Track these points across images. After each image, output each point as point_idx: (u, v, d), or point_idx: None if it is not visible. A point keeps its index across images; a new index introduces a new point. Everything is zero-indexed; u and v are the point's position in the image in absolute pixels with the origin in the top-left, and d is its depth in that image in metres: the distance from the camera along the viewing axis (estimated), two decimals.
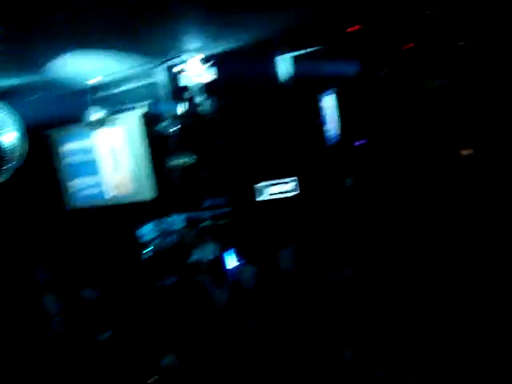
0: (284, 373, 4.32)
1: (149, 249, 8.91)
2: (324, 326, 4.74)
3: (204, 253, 8.84)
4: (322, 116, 7.48)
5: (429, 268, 5.30)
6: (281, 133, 7.23)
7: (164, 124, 7.39)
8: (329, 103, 7.63)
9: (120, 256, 8.00)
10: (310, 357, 4.33)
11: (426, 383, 3.79)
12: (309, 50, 6.93)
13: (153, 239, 9.16)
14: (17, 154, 3.87)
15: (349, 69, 6.99)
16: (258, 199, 7.63)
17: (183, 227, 9.33)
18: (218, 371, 4.70)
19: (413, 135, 7.05)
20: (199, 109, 7.22)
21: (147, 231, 9.17)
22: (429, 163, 6.95)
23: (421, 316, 4.51)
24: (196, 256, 8.64)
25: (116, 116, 7.12)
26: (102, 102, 7.34)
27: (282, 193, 7.54)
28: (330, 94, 7.75)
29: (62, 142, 7.62)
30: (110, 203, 7.61)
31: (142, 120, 7.18)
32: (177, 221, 9.39)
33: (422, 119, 7.01)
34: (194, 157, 7.61)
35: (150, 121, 7.34)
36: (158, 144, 7.40)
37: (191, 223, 9.27)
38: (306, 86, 7.15)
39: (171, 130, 7.46)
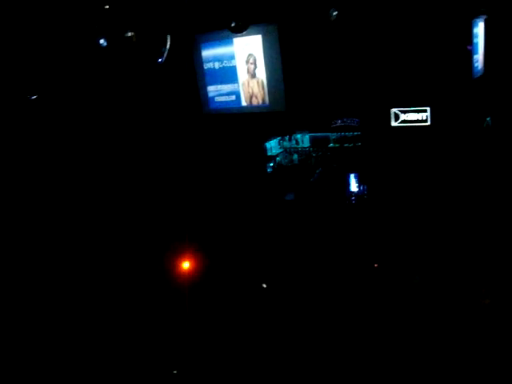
0: None
1: (272, 163, 9.10)
2: None
3: (325, 174, 8.79)
4: (473, 45, 6.70)
5: None
6: (423, 57, 6.64)
7: None
8: (480, 31, 6.78)
9: (247, 165, 8.28)
10: None
11: None
12: None
13: (277, 154, 9.32)
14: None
15: None
16: (391, 125, 7.27)
17: (308, 146, 9.31)
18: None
19: None
20: None
21: (273, 145, 9.33)
22: None
23: None
24: (317, 176, 8.64)
25: (257, 25, 7.03)
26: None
27: (415, 121, 7.11)
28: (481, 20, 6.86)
29: (206, 47, 7.77)
30: (242, 111, 7.77)
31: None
32: (302, 139, 9.37)
33: None
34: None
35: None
36: (297, 57, 7.26)
37: (317, 143, 9.19)
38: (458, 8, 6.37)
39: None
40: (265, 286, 6.01)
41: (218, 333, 4.66)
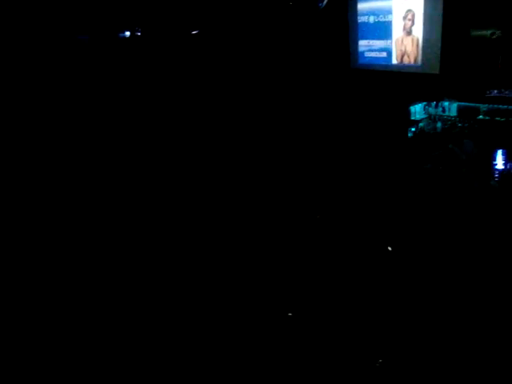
0: None
1: (414, 128, 8.78)
2: None
3: (467, 147, 8.31)
4: None
5: None
6: None
7: None
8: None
9: (388, 126, 8.08)
10: None
11: None
12: None
13: (421, 120, 8.94)
14: None
15: None
16: None
17: (455, 116, 8.78)
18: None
19: None
20: None
21: (418, 110, 8.95)
22: None
23: None
24: (459, 148, 8.18)
25: None
26: None
27: None
28: None
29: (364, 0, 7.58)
30: (391, 69, 7.52)
31: None
32: (450, 107, 8.85)
33: None
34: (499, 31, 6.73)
35: None
36: (460, 17, 6.75)
37: (465, 113, 8.62)
38: None
39: None
40: (390, 248, 5.95)
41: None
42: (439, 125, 9.00)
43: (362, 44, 7.72)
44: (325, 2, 4.49)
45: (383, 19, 7.35)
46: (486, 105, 8.32)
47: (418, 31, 7.00)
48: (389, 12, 7.25)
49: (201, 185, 6.74)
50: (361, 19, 7.60)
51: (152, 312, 4.28)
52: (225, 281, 4.62)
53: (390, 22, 7.28)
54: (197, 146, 7.40)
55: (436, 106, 9.05)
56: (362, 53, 7.76)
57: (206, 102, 7.98)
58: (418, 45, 7.09)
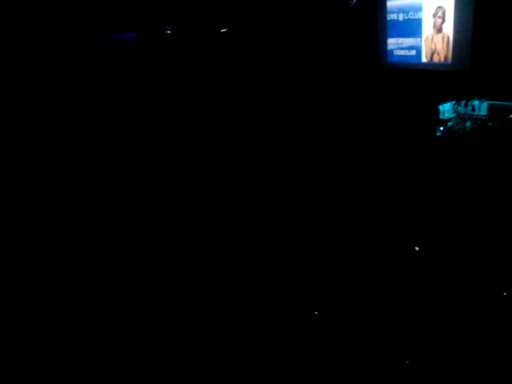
0: None
1: (443, 127, 8.68)
2: None
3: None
4: None
5: None
6: None
7: None
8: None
9: (416, 124, 8.02)
10: None
11: None
12: None
13: (449, 119, 8.84)
14: None
15: None
16: None
17: (485, 114, 8.65)
18: None
19: None
20: None
21: (447, 108, 8.85)
22: None
23: None
24: (493, 149, 8.06)
25: None
26: None
27: None
28: None
29: None
30: (421, 67, 7.48)
31: None
32: (480, 105, 8.71)
33: None
34: None
35: None
36: (491, 14, 6.66)
37: (495, 112, 8.49)
38: None
39: None
40: (417, 248, 5.91)
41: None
42: (468, 124, 8.87)
43: (391, 42, 7.70)
44: (354, 1, 4.52)
45: (413, 17, 7.32)
46: None
47: (449, 28, 6.94)
48: (419, 9, 7.21)
49: (232, 183, 6.81)
50: (390, 17, 7.58)
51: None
52: (250, 279, 4.65)
53: (420, 19, 7.24)
54: (231, 141, 7.50)
55: (465, 105, 8.92)
56: (391, 51, 7.74)
57: (237, 99, 8.08)
58: (448, 42, 7.03)
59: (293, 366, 3.54)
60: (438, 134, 8.62)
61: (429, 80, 7.56)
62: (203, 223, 5.49)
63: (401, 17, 7.47)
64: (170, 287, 4.42)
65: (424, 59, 7.40)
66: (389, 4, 7.52)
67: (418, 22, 7.28)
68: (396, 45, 7.66)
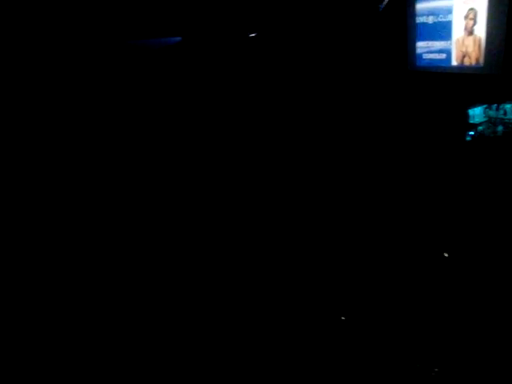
0: None
1: (473, 132, 8.47)
2: None
3: None
4: None
5: None
6: None
7: None
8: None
9: (446, 129, 7.85)
10: None
11: None
12: None
13: (480, 123, 8.61)
14: None
15: None
16: None
17: None
18: None
19: None
20: None
21: (477, 113, 8.63)
22: None
23: None
24: None
25: None
26: None
27: None
28: None
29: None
30: (451, 71, 7.29)
31: None
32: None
33: None
34: None
35: None
36: None
37: None
38: None
39: None
40: (446, 255, 5.77)
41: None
42: (500, 128, 8.65)
43: (420, 45, 7.55)
44: (385, 3, 4.46)
45: (443, 19, 7.16)
46: None
47: (481, 31, 6.74)
48: (449, 11, 7.04)
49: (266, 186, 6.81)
50: (419, 20, 7.43)
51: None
52: (281, 282, 4.63)
53: (450, 21, 7.08)
54: (270, 140, 7.52)
55: (497, 109, 8.69)
56: (420, 55, 7.58)
57: (267, 104, 8.10)
58: (480, 45, 6.84)
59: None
60: (467, 138, 8.41)
61: (458, 84, 7.37)
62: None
63: (430, 19, 7.31)
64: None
65: (454, 62, 7.22)
66: (418, 7, 7.38)
67: (449, 24, 7.12)
68: (425, 48, 7.50)
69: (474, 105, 8.60)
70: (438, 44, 7.32)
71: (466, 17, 6.89)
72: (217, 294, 4.20)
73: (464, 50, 7.06)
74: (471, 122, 8.69)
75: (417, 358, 3.67)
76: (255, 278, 4.54)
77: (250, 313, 4.09)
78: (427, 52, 7.49)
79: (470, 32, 6.90)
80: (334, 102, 8.06)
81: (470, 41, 6.95)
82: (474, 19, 6.79)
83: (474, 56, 6.95)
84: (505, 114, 8.62)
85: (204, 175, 6.90)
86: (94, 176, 6.41)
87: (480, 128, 8.68)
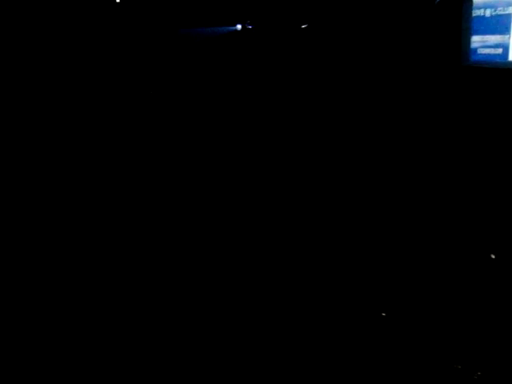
0: None
1: None
2: None
3: None
4: None
5: None
6: None
7: None
8: None
9: (500, 127, 7.48)
10: None
11: None
12: None
13: None
14: None
15: None
16: None
17: None
18: None
19: None
20: None
21: None
22: None
23: None
24: None
25: None
26: None
27: None
28: None
29: None
30: (507, 67, 6.96)
31: None
32: None
33: None
34: None
35: None
36: None
37: None
38: None
39: None
40: (493, 256, 5.49)
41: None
42: None
43: (475, 40, 7.27)
44: None
45: (501, 12, 6.85)
46: None
47: None
48: (508, 4, 6.73)
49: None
50: (476, 13, 7.16)
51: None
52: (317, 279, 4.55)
53: (509, 14, 6.76)
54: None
55: None
56: (475, 49, 7.30)
57: (312, 95, 8.18)
58: None
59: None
60: None
61: None
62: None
63: (488, 13, 7.02)
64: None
65: (511, 58, 6.88)
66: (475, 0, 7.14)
67: (507, 17, 6.80)
68: (480, 43, 7.21)
69: None
70: (494, 38, 7.01)
71: None
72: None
73: None
74: None
75: (458, 358, 3.57)
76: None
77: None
78: (482, 47, 7.20)
79: None
80: (387, 96, 7.97)
81: None
82: None
83: None
84: None
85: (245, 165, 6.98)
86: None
87: None
